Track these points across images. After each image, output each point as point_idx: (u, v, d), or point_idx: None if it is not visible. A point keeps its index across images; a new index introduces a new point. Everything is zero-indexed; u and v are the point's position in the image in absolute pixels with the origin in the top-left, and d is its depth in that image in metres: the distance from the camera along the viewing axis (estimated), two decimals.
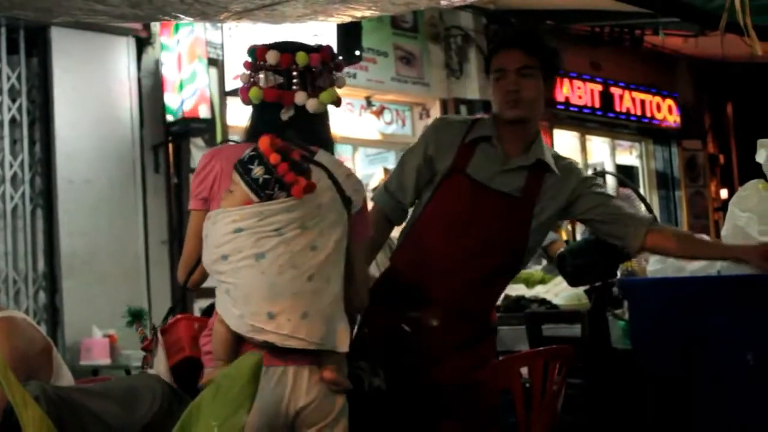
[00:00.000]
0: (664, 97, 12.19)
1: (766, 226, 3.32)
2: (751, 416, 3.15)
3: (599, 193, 3.32)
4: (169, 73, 7.27)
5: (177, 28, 7.15)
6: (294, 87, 2.73)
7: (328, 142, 2.87)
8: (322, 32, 6.68)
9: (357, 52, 6.88)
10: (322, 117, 2.84)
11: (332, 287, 2.57)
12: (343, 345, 2.57)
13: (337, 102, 2.83)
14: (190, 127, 7.27)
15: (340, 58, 3.00)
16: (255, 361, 1.97)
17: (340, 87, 2.84)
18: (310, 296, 2.50)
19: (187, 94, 7.17)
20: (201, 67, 7.23)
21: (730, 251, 3.24)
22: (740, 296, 3.14)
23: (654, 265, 3.62)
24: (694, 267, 3.50)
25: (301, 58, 2.76)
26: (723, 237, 3.48)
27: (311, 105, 2.72)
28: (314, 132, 2.81)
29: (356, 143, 9.50)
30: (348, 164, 9.03)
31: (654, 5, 6.71)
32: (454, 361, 3.17)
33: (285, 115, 2.73)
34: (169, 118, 7.27)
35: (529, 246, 3.27)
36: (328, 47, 2.90)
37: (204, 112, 7.24)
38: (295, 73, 2.75)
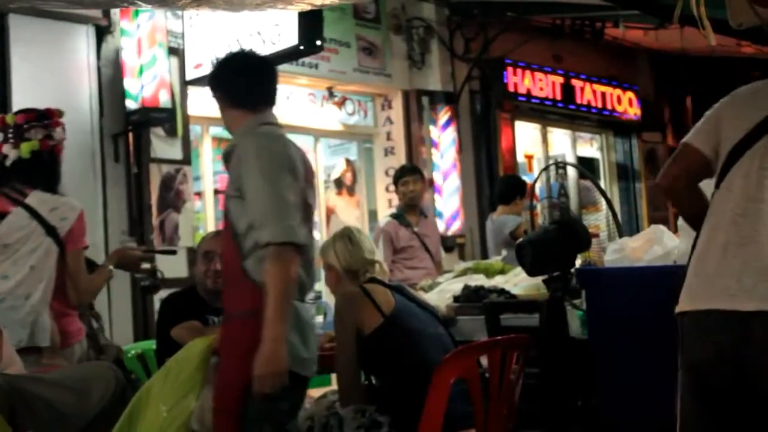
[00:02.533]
0: (624, 89, 12.24)
1: None
2: None
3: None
4: (128, 58, 7.22)
5: (137, 13, 7.10)
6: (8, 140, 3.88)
7: (47, 183, 3.92)
8: (282, 22, 6.66)
9: (318, 42, 6.85)
10: (42, 162, 3.91)
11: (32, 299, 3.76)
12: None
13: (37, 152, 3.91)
14: (150, 117, 7.21)
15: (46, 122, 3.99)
16: (205, 345, 1.96)
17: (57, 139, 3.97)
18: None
19: (147, 79, 7.12)
20: (161, 52, 7.18)
21: None
22: None
23: (611, 255, 3.65)
24: (651, 257, 3.52)
25: (9, 118, 3.93)
26: (679, 227, 3.51)
27: (12, 155, 3.85)
28: (32, 176, 3.87)
29: (318, 134, 9.48)
30: (309, 155, 9.09)
31: None
32: None
33: (7, 161, 3.87)
34: (129, 103, 7.20)
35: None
36: (36, 111, 3.99)
37: (164, 99, 7.19)
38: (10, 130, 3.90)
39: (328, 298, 6.83)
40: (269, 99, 3.49)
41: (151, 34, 7.17)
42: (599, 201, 11.42)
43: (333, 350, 3.93)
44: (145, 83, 7.13)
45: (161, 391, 1.81)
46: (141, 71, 7.15)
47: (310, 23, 6.66)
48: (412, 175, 7.25)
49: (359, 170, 9.90)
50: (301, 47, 6.70)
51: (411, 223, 7.13)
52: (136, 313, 7.25)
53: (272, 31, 6.83)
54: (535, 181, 5.06)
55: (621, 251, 3.62)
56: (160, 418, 1.87)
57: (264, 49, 6.92)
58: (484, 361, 3.59)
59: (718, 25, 3.80)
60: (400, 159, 9.49)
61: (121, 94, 7.25)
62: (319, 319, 4.57)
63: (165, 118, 7.35)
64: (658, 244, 3.58)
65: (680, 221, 3.49)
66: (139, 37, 7.18)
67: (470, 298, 4.45)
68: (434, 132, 9.80)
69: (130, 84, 7.21)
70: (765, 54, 9.56)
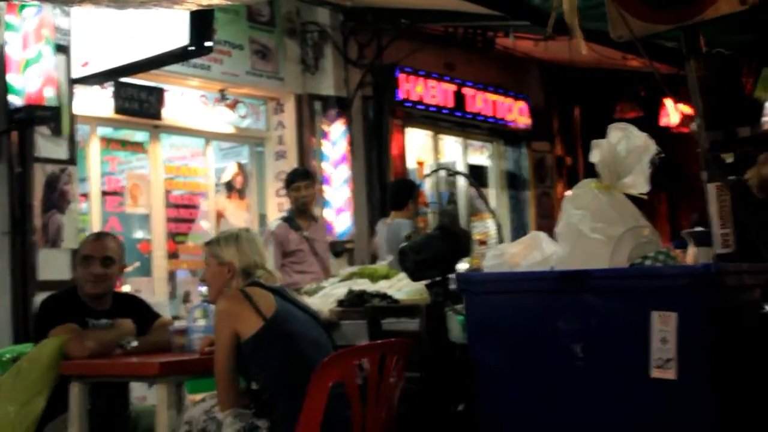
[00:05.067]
0: (515, 99, 12.43)
1: (598, 223, 3.41)
2: (579, 410, 3.23)
3: None
4: (13, 52, 7.05)
5: (23, 7, 6.94)
6: None
7: None
8: (173, 22, 6.57)
9: (208, 43, 6.79)
10: None
11: None
12: None
13: None
14: (35, 115, 7.06)
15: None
16: (56, 346, 1.92)
17: None
18: None
19: (32, 74, 6.97)
20: (48, 49, 7.05)
21: None
22: (571, 291, 3.22)
23: (491, 260, 3.68)
24: (530, 262, 3.57)
25: None
26: (557, 234, 3.56)
27: None
28: None
29: (209, 136, 9.41)
30: (200, 158, 9.02)
31: (505, 8, 6.82)
32: None
33: None
34: (13, 99, 7.03)
35: None
36: None
37: (50, 96, 7.05)
38: None
39: None
40: None
41: (37, 30, 7.03)
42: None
43: (213, 354, 3.88)
44: (30, 79, 6.97)
45: (11, 390, 1.77)
46: (26, 67, 6.99)
47: (201, 24, 6.59)
48: (304, 180, 7.24)
49: (250, 174, 9.84)
50: (191, 48, 6.63)
51: (301, 227, 7.12)
52: (17, 315, 7.08)
53: (162, 31, 6.74)
54: (419, 185, 5.08)
55: (500, 257, 3.66)
56: (8, 419, 1.82)
57: (153, 49, 6.85)
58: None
59: (605, 38, 3.88)
60: (291, 163, 9.47)
61: (4, 90, 7.08)
62: (202, 322, 4.50)
63: (50, 116, 7.20)
64: (536, 250, 3.63)
65: (558, 228, 3.55)
66: (25, 32, 7.02)
67: (353, 302, 4.44)
68: (326, 137, 9.80)
69: (13, 79, 7.04)
70: (655, 68, 9.80)
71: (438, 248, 3.92)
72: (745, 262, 3.40)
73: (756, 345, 3.36)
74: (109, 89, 8.14)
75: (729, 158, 3.69)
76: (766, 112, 3.99)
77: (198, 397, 4.15)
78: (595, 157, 3.51)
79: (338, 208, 9.78)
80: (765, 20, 5.69)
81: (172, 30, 6.73)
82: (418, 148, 11.60)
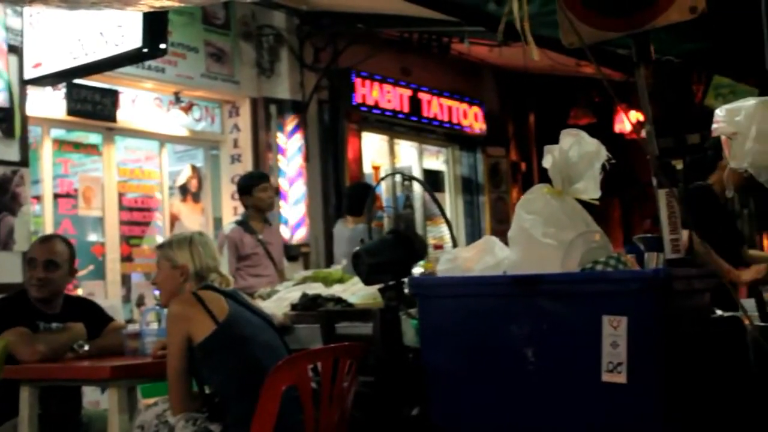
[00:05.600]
0: (470, 104, 12.48)
1: (549, 228, 3.43)
2: (531, 414, 3.25)
3: None
4: None
5: None
6: None
7: None
8: (126, 23, 6.54)
9: (162, 45, 6.75)
10: None
11: None
12: None
13: None
14: None
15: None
16: (0, 347, 1.91)
17: None
18: None
19: None
20: None
21: None
22: (523, 295, 3.24)
23: (444, 265, 3.70)
24: (482, 267, 3.59)
25: None
26: (510, 238, 3.59)
27: None
28: None
29: (163, 139, 9.35)
30: (154, 160, 8.96)
31: (460, 14, 6.87)
32: None
33: None
34: None
35: None
36: None
37: (2, 98, 6.98)
38: None
39: None
40: None
41: None
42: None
43: (165, 357, 3.86)
44: None
45: None
46: None
47: (155, 26, 6.56)
48: (264, 182, 7.23)
49: (205, 177, 9.80)
50: (145, 50, 6.59)
51: (256, 231, 7.10)
52: None
53: (115, 33, 6.69)
54: (374, 188, 5.10)
55: (454, 261, 3.67)
56: None
57: (107, 51, 6.80)
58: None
59: (559, 45, 3.91)
60: (246, 166, 9.44)
61: None
62: (155, 326, 4.48)
63: (2, 117, 7.12)
64: (489, 255, 3.65)
65: (511, 233, 3.58)
66: None
67: (307, 306, 4.44)
68: (282, 140, 9.79)
69: None
70: (605, 75, 9.91)
71: (392, 252, 3.92)
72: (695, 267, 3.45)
73: (705, 349, 3.41)
74: (62, 91, 8.07)
75: (679, 164, 3.75)
76: (716, 119, 4.03)
77: (151, 401, 4.12)
78: (547, 162, 3.54)
79: (293, 212, 9.76)
80: (715, 29, 5.78)
81: (126, 32, 6.69)
82: (374, 153, 11.62)
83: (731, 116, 3.88)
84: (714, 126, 4.04)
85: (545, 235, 3.41)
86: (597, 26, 3.66)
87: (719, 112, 3.98)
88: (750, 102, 3.79)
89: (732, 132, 3.87)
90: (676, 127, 3.58)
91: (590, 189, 3.50)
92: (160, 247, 4.12)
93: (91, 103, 8.32)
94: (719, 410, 3.36)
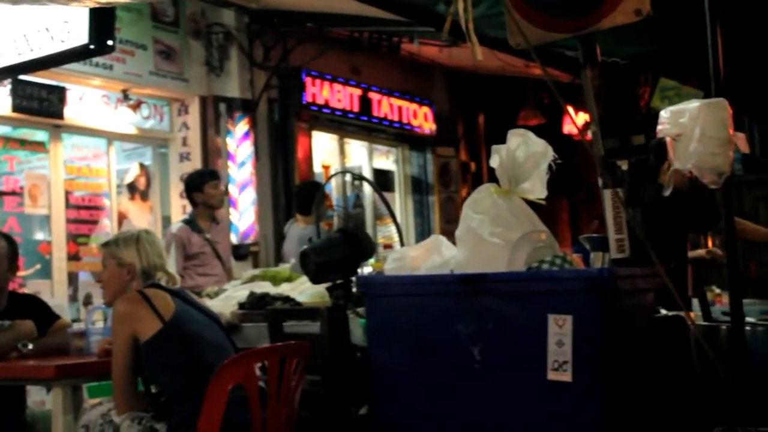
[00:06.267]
0: (420, 104, 12.52)
1: (496, 227, 3.46)
2: (477, 412, 3.27)
3: None
4: None
5: None
6: None
7: None
8: (72, 19, 6.45)
9: (109, 42, 6.67)
10: None
11: None
12: None
13: None
14: None
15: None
16: None
17: None
18: None
19: None
20: None
21: None
22: (469, 294, 3.26)
23: (391, 264, 3.71)
24: (429, 266, 3.61)
25: None
26: (457, 238, 3.60)
27: None
28: None
29: (111, 137, 9.26)
30: (102, 158, 8.87)
31: (409, 14, 6.88)
32: None
33: None
34: None
35: None
36: None
37: None
38: None
39: None
40: None
41: None
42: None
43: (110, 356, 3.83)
44: None
45: None
46: None
47: (101, 22, 6.47)
48: (214, 180, 7.20)
49: (153, 175, 9.73)
50: (92, 46, 6.50)
51: (203, 229, 7.07)
52: None
53: (61, 28, 6.60)
54: (323, 187, 5.10)
55: (401, 260, 3.69)
56: None
57: (53, 47, 6.71)
58: None
59: (508, 46, 3.93)
60: (195, 165, 9.39)
61: None
62: (101, 324, 4.44)
63: None
64: (436, 254, 3.67)
65: (458, 232, 3.59)
66: None
67: (255, 305, 4.43)
68: (231, 139, 9.75)
69: None
70: (552, 76, 9.99)
71: (339, 251, 3.93)
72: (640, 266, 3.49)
73: (649, 348, 3.45)
74: (7, 87, 7.96)
75: (624, 165, 3.79)
76: (660, 121, 4.08)
77: (96, 401, 4.09)
78: (494, 162, 3.57)
79: (243, 211, 9.72)
80: (661, 31, 5.85)
81: (73, 28, 6.59)
82: (324, 152, 11.61)
83: (675, 118, 3.92)
84: (659, 127, 4.09)
85: (492, 235, 3.43)
86: (543, 27, 3.70)
87: (664, 114, 4.02)
88: (694, 104, 3.83)
89: (676, 133, 3.92)
90: (622, 128, 3.62)
91: (537, 189, 3.53)
92: (106, 245, 4.08)
93: (38, 100, 8.22)
94: (661, 408, 3.41)
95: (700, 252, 6.15)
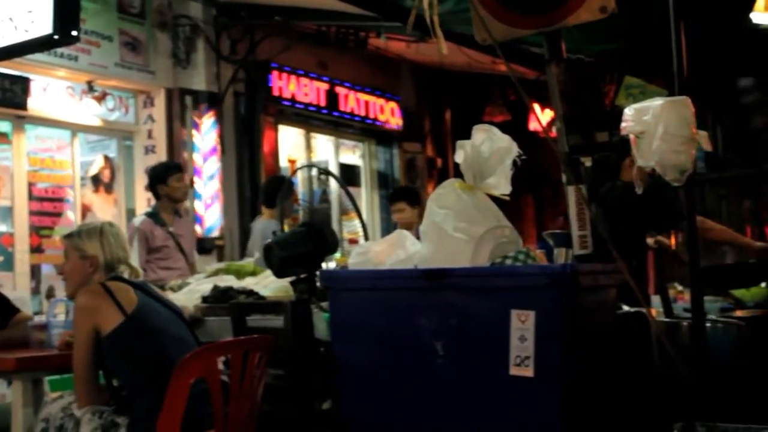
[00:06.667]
0: (387, 99, 12.51)
1: (461, 222, 3.46)
2: (439, 407, 3.27)
3: None
4: None
5: None
6: None
7: None
8: (36, 9, 6.40)
9: (74, 32, 6.61)
10: None
11: None
12: None
13: None
14: None
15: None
16: None
17: None
18: None
19: None
20: None
21: None
22: (432, 289, 3.26)
23: (356, 258, 3.71)
24: (393, 260, 3.61)
25: None
26: (421, 232, 3.60)
27: None
28: None
29: (76, 128, 9.20)
30: (66, 150, 8.80)
31: (376, 9, 6.89)
32: None
33: None
34: None
35: None
36: None
37: None
38: None
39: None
40: None
41: None
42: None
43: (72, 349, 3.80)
44: None
45: None
46: None
47: (66, 12, 6.42)
48: (178, 173, 7.15)
49: (118, 168, 9.67)
50: (56, 37, 6.44)
51: (166, 223, 7.02)
52: None
53: (25, 18, 6.54)
54: (289, 180, 5.09)
55: (365, 254, 3.68)
56: None
57: (16, 36, 6.65)
58: None
59: (476, 42, 3.93)
60: (160, 158, 9.34)
61: None
62: (62, 317, 4.41)
63: None
64: (401, 248, 3.67)
65: (422, 227, 3.60)
66: None
67: (219, 298, 4.42)
68: (197, 132, 9.70)
69: None
70: (518, 73, 10.02)
71: (303, 245, 3.92)
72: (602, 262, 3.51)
73: (610, 344, 3.47)
74: None
75: (588, 162, 3.80)
76: (624, 118, 4.10)
77: (58, 394, 4.06)
78: (459, 157, 3.57)
79: (208, 204, 9.68)
80: (627, 30, 5.88)
81: (37, 17, 6.53)
82: (291, 146, 11.58)
83: (639, 116, 3.94)
84: (622, 125, 4.11)
85: (456, 230, 3.43)
86: (509, 23, 3.70)
87: (628, 112, 4.04)
88: (657, 102, 3.85)
89: (639, 131, 3.94)
90: (586, 125, 3.64)
91: (501, 184, 3.54)
92: (69, 236, 4.04)
93: (1, 91, 8.15)
94: (622, 404, 3.43)
95: (649, 241, 6.17)
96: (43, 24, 6.50)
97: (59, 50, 8.17)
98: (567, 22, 3.62)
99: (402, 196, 7.75)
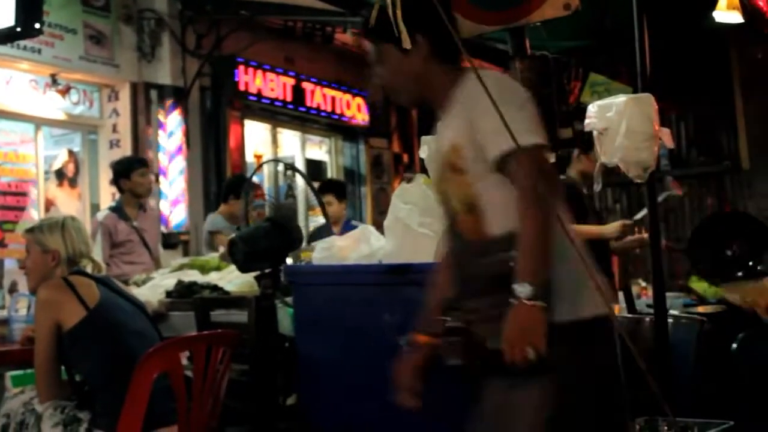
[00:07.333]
0: (353, 95, 12.49)
1: (425, 218, 3.47)
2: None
3: None
4: None
5: None
6: None
7: None
8: None
9: (37, 25, 6.55)
10: None
11: None
12: None
13: None
14: None
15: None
16: None
17: None
18: None
19: None
20: None
21: None
22: (395, 284, 3.27)
23: (320, 253, 3.71)
24: (357, 255, 3.62)
25: None
26: (386, 228, 3.62)
27: None
28: None
29: (39, 122, 9.10)
30: (29, 144, 8.73)
31: (343, 4, 6.89)
32: None
33: None
34: None
35: None
36: None
37: None
38: None
39: None
40: None
41: None
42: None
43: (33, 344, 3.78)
44: None
45: None
46: None
47: (29, 4, 6.35)
48: (142, 167, 7.11)
49: (82, 162, 9.59)
50: (18, 29, 6.37)
51: (130, 217, 6.98)
52: None
53: None
54: (251, 177, 5.08)
55: (329, 249, 3.69)
56: None
57: None
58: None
59: None
60: (125, 152, 9.27)
61: None
62: (24, 312, 4.39)
63: None
64: (365, 244, 3.68)
65: (386, 222, 3.61)
66: None
67: (182, 293, 4.41)
68: (162, 127, 9.65)
69: None
70: (477, 67, 10.06)
71: (268, 240, 3.92)
72: None
73: None
74: None
75: (552, 158, 3.82)
76: (588, 115, 4.14)
77: (19, 390, 4.03)
78: (423, 153, 3.58)
79: (173, 199, 9.64)
80: (592, 28, 5.92)
81: None
82: (257, 142, 11.54)
83: (602, 112, 3.98)
84: (586, 121, 4.14)
85: (421, 225, 3.45)
86: (474, 19, 3.72)
87: (591, 108, 4.08)
88: (620, 99, 3.89)
89: (603, 127, 3.97)
90: (550, 121, 3.66)
91: None
92: (30, 231, 4.01)
93: None
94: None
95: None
96: (4, 16, 6.43)
97: (22, 43, 8.08)
98: (531, 19, 3.65)
99: (329, 189, 7.72)
